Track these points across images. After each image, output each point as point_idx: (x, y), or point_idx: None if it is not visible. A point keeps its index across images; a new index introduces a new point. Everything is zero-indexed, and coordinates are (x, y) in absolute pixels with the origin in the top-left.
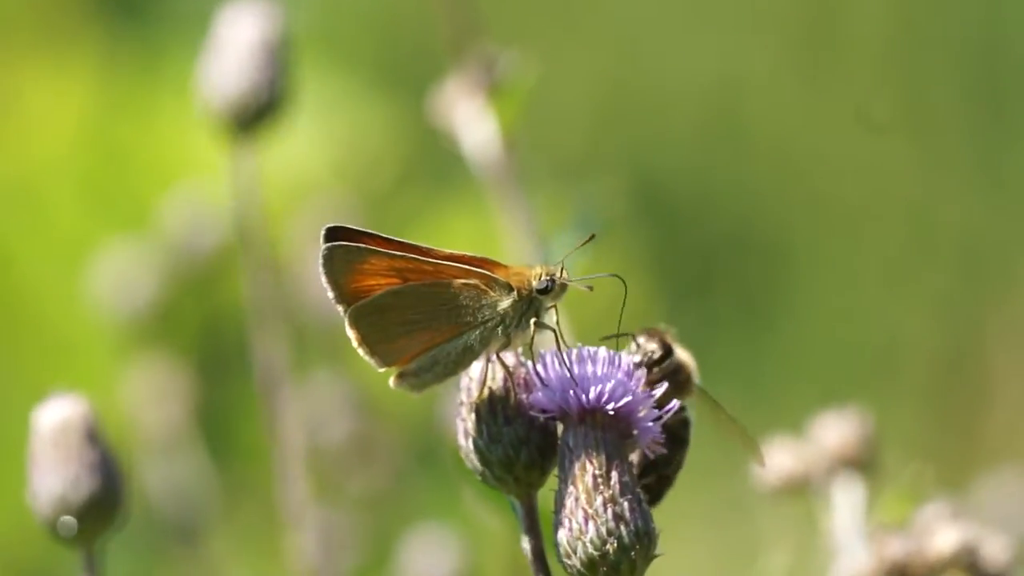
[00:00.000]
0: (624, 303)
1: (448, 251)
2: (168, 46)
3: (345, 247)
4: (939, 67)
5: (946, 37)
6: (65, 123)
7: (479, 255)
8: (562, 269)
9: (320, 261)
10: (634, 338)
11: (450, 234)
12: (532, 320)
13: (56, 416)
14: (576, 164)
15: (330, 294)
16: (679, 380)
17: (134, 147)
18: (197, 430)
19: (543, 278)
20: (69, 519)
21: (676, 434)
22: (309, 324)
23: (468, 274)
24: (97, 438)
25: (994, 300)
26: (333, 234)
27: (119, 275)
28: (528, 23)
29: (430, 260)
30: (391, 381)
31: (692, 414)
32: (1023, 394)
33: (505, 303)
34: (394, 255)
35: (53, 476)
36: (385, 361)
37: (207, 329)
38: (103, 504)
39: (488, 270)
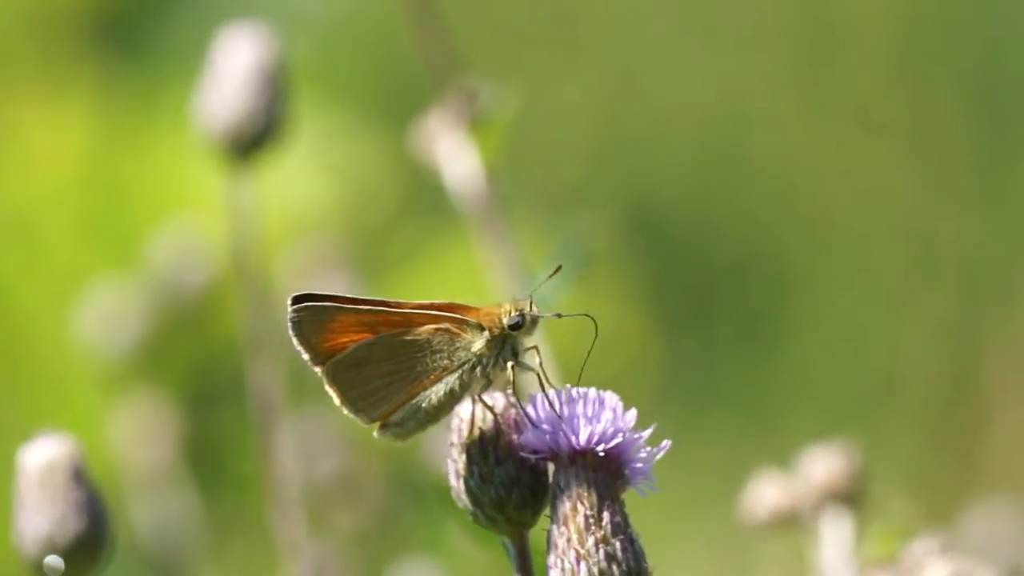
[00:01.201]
0: (595, 337)
1: (416, 301)
2: (166, 80)
3: (312, 307)
4: (939, 89)
5: (946, 59)
6: (63, 157)
7: (448, 301)
8: (531, 303)
9: (290, 327)
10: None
11: (446, 268)
12: (510, 362)
13: (42, 456)
14: (574, 191)
15: (305, 356)
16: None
17: (132, 181)
18: (186, 466)
19: (512, 314)
20: (55, 559)
21: None
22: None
23: (438, 319)
24: (83, 478)
25: (995, 322)
26: (299, 300)
27: (108, 311)
28: (526, 50)
29: (398, 311)
30: (375, 433)
31: None
32: (1021, 415)
33: (479, 343)
34: (361, 310)
35: (39, 516)
36: (370, 416)
37: (197, 365)
38: (89, 544)
39: (457, 314)
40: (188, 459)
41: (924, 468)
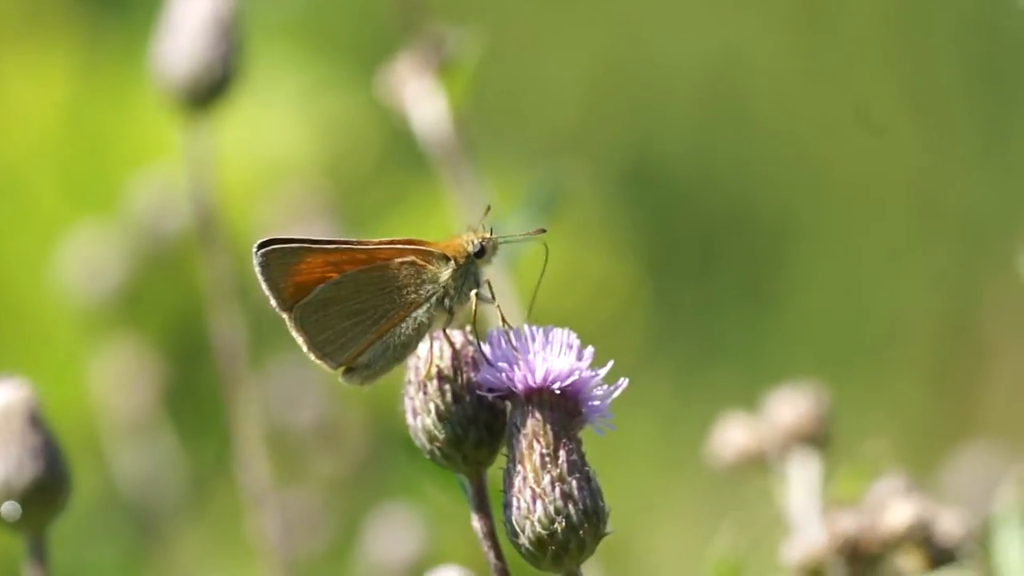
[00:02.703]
0: (544, 268)
1: (379, 239)
2: (147, 32)
3: (279, 249)
4: (941, 43)
5: (947, 14)
6: (45, 110)
7: (409, 237)
8: (491, 231)
9: (257, 269)
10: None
11: (426, 219)
12: (473, 291)
13: None
14: (573, 142)
15: (272, 301)
16: None
17: (114, 134)
18: (166, 414)
19: (475, 242)
20: (12, 504)
21: None
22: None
23: (403, 252)
24: (40, 422)
25: (994, 275)
26: (265, 245)
27: (87, 259)
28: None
29: (363, 247)
30: (340, 377)
31: None
32: (1021, 367)
33: (445, 274)
34: (327, 248)
35: None
36: (337, 360)
37: (177, 312)
38: (47, 488)
39: (421, 246)
40: (168, 407)
41: (924, 418)
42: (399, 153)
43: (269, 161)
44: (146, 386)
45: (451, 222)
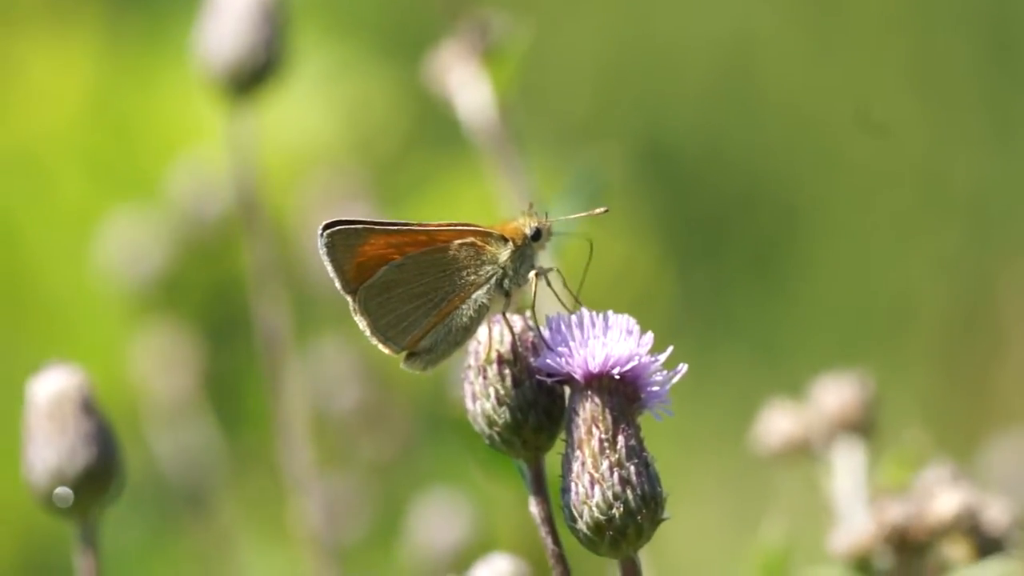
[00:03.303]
0: (590, 257)
1: (437, 221)
2: (172, 16)
3: (344, 230)
4: (949, 24)
5: None
6: (69, 94)
7: (465, 222)
8: (546, 216)
9: (323, 250)
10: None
11: (457, 200)
12: (532, 272)
13: (51, 387)
14: (585, 125)
15: (337, 283)
16: None
17: (138, 117)
18: (205, 398)
19: (532, 225)
20: (65, 491)
21: None
22: (315, 292)
23: (463, 234)
24: (93, 408)
25: (1006, 255)
26: (331, 226)
27: (126, 244)
28: None
29: (424, 229)
30: (402, 363)
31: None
32: None
33: (504, 255)
34: (390, 230)
35: (48, 448)
36: (399, 344)
37: (215, 296)
38: (99, 475)
39: (480, 228)
40: (207, 391)
41: (936, 400)
42: (427, 132)
43: (299, 144)
44: (186, 370)
45: (484, 201)
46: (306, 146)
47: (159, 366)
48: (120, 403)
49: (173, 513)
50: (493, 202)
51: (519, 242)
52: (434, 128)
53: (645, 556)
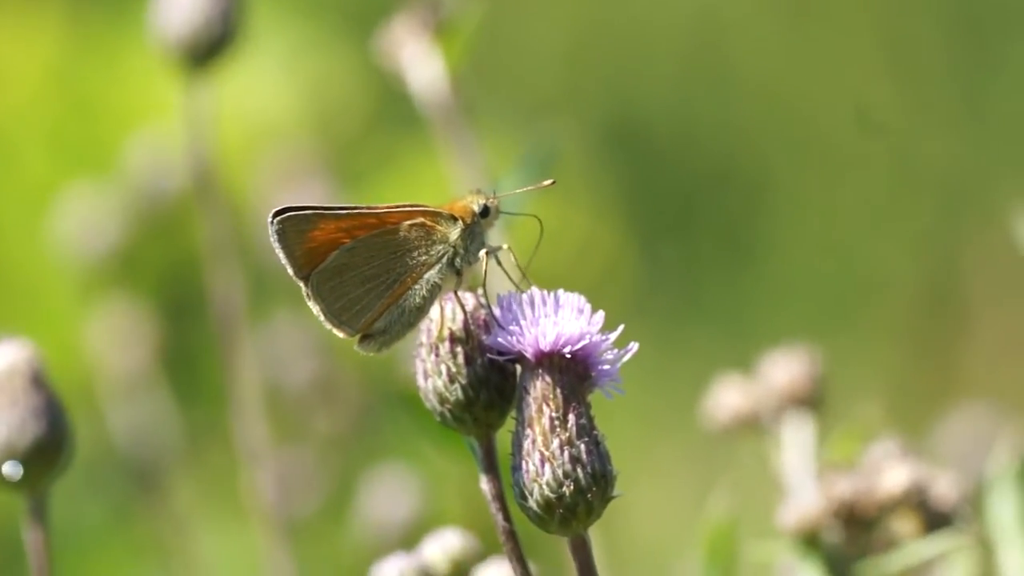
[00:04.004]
0: (541, 235)
1: (386, 204)
2: None
3: (294, 216)
4: (921, 1)
5: None
6: (32, 70)
7: (412, 203)
8: (493, 193)
9: (274, 238)
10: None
11: (417, 178)
12: (482, 251)
13: (1, 361)
14: (555, 102)
15: (289, 270)
16: None
17: (100, 93)
18: (162, 372)
19: (480, 203)
20: (14, 464)
21: None
22: (270, 267)
23: (411, 215)
24: (43, 382)
25: (973, 234)
26: (280, 213)
27: (83, 219)
28: None
29: (373, 212)
30: (356, 346)
31: None
32: (1001, 327)
33: (454, 234)
34: (339, 214)
35: None
36: (353, 327)
37: (172, 272)
38: (49, 448)
39: (428, 208)
40: (163, 366)
41: (904, 377)
42: (389, 112)
43: (259, 120)
44: (142, 344)
45: (443, 181)
46: (267, 124)
47: (115, 341)
48: (76, 378)
49: (129, 489)
50: (452, 180)
51: (468, 220)
52: (396, 107)
53: (599, 533)
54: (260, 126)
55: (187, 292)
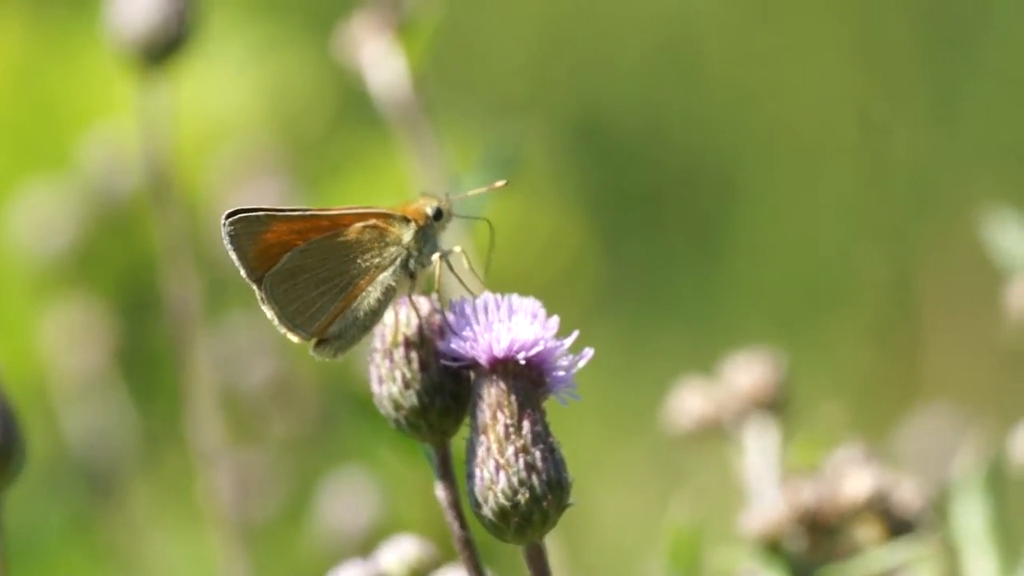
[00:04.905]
0: (492, 239)
1: (339, 206)
2: None
3: (247, 217)
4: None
5: None
6: None
7: (367, 206)
8: (445, 196)
9: (226, 240)
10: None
11: (379, 178)
12: (435, 255)
13: None
14: (522, 99)
15: (242, 272)
16: None
17: (61, 93)
18: (118, 373)
19: (432, 205)
20: None
21: None
22: (225, 268)
23: (364, 217)
24: None
25: (943, 233)
26: (233, 215)
27: (38, 217)
28: None
29: (326, 214)
30: (311, 351)
31: None
32: (968, 328)
33: (407, 236)
34: (292, 216)
35: None
36: (307, 331)
37: (128, 271)
38: (1, 454)
39: (381, 211)
40: (119, 366)
41: (873, 378)
42: (352, 112)
43: (219, 120)
44: (97, 345)
45: (406, 181)
46: (225, 123)
47: (71, 341)
48: (31, 379)
49: (85, 492)
50: (413, 180)
51: (421, 222)
52: (359, 106)
53: (561, 537)
54: (218, 125)
55: (143, 292)
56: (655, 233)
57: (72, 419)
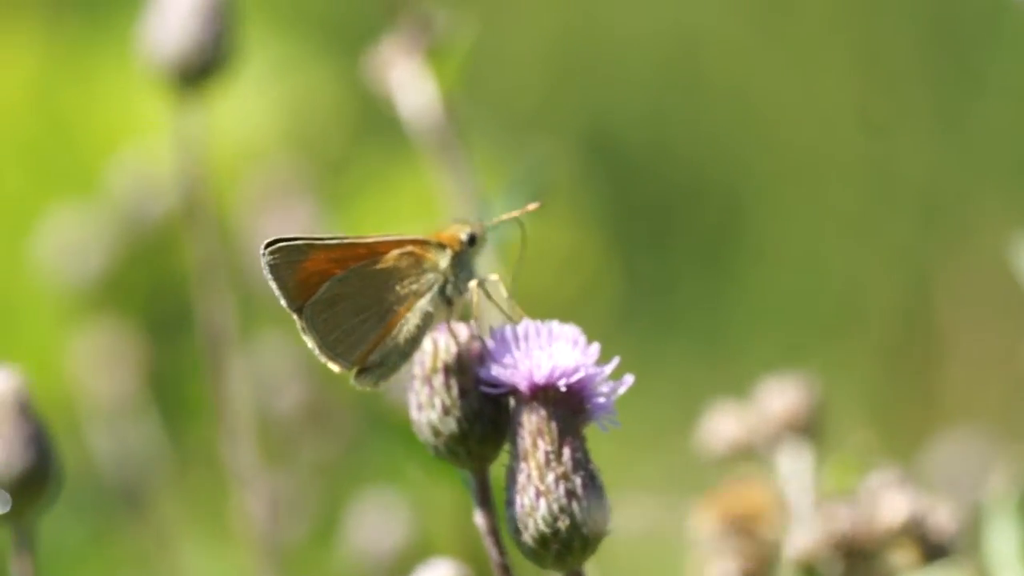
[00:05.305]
0: (523, 248)
1: (376, 234)
2: (113, 12)
3: (287, 247)
4: (896, 15)
5: None
6: (11, 89)
7: (402, 233)
8: (479, 221)
9: (266, 270)
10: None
11: (403, 197)
12: (473, 282)
13: None
14: (530, 117)
15: (283, 302)
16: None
17: (79, 112)
18: (147, 395)
19: (467, 231)
20: (1, 495)
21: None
22: (258, 289)
23: (401, 244)
24: (30, 411)
25: (951, 250)
26: (272, 244)
27: (67, 240)
28: None
29: (363, 242)
30: (353, 380)
31: None
32: (979, 345)
33: (444, 262)
34: (330, 245)
35: None
36: (348, 360)
37: (157, 293)
38: (36, 480)
39: (417, 237)
40: (149, 389)
41: (882, 396)
42: (373, 130)
43: (243, 141)
44: (128, 368)
45: (428, 201)
46: (250, 143)
47: (100, 364)
48: (60, 402)
49: (114, 513)
50: (438, 201)
51: (457, 248)
52: (380, 125)
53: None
54: (243, 145)
55: (174, 314)
56: (663, 248)
57: (102, 441)
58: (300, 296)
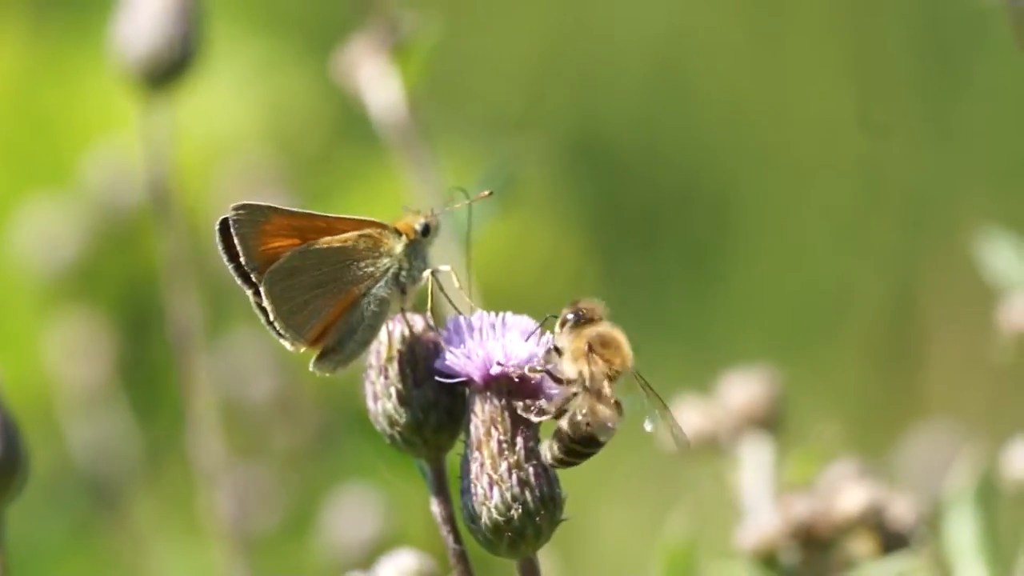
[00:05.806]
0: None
1: (335, 214)
2: (95, 10)
3: (251, 206)
4: (886, 20)
5: None
6: None
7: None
8: (432, 212)
9: (232, 226)
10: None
11: (377, 197)
12: (426, 272)
13: None
14: (519, 118)
15: (241, 258)
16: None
17: (60, 109)
18: (121, 388)
19: (420, 221)
20: None
21: (593, 437)
22: (227, 283)
23: (360, 224)
24: None
25: (938, 252)
26: (239, 207)
27: (41, 233)
28: None
29: (323, 215)
30: (312, 365)
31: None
32: (963, 345)
33: (399, 248)
34: (292, 212)
35: None
36: (301, 334)
37: (131, 286)
38: (4, 470)
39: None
40: (123, 381)
41: (868, 396)
42: (349, 130)
43: (218, 137)
44: (100, 360)
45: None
46: (225, 141)
47: (73, 357)
48: (34, 395)
49: (88, 505)
50: (410, 198)
51: (411, 236)
52: (357, 124)
53: (557, 553)
54: (218, 144)
55: (145, 308)
56: (650, 251)
57: (75, 433)
58: (260, 260)
